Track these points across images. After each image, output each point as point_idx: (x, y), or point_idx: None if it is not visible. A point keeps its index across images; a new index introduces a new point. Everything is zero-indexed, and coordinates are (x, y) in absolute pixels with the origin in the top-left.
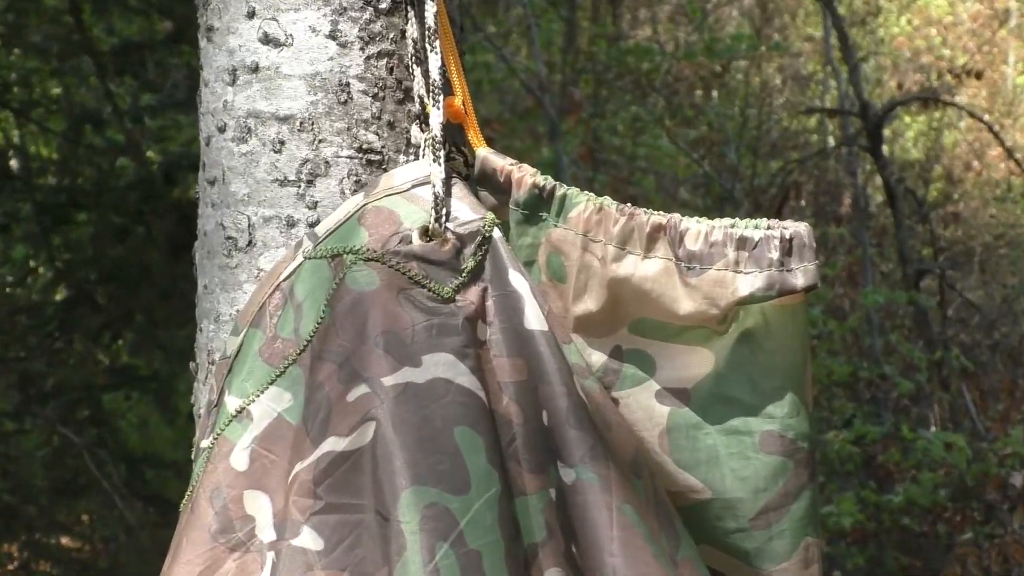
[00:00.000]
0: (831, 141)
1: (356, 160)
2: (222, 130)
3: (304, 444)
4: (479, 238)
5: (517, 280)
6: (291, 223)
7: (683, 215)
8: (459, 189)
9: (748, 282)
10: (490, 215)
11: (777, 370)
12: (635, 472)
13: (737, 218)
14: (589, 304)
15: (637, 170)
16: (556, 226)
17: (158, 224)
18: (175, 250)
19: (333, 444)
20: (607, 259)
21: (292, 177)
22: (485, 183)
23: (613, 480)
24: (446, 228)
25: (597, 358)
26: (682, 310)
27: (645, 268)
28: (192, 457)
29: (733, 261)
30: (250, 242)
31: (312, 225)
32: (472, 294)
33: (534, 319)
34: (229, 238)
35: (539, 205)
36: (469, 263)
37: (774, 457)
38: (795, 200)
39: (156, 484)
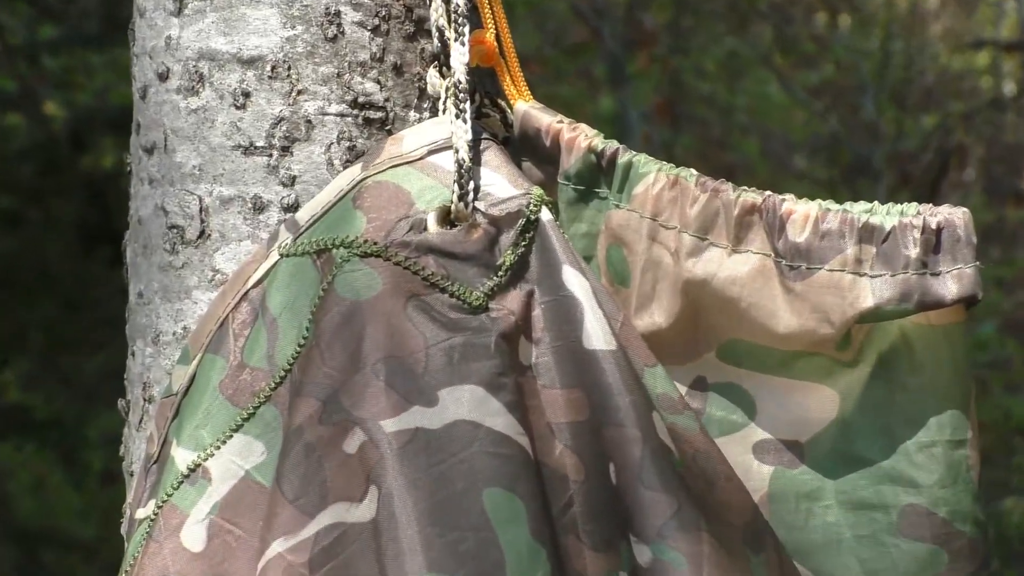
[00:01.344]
0: (1009, 87)
1: (349, 118)
2: (163, 77)
3: (285, 514)
4: (521, 222)
5: (574, 280)
6: (259, 206)
7: (794, 193)
8: (493, 155)
9: (874, 289)
10: (537, 190)
11: (925, 417)
12: (752, 544)
13: (876, 199)
14: (657, 316)
15: (735, 129)
16: (618, 206)
17: (61, 206)
18: (86, 242)
19: (337, 515)
20: (681, 253)
21: (261, 143)
22: (527, 148)
23: (707, 560)
24: (475, 209)
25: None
26: (782, 327)
27: (733, 266)
28: (123, 532)
29: (853, 259)
30: (202, 233)
31: (289, 209)
32: (512, 300)
33: (598, 334)
34: (173, 227)
35: (597, 177)
36: (508, 258)
37: (920, 544)
38: (958, 171)
39: (58, 570)
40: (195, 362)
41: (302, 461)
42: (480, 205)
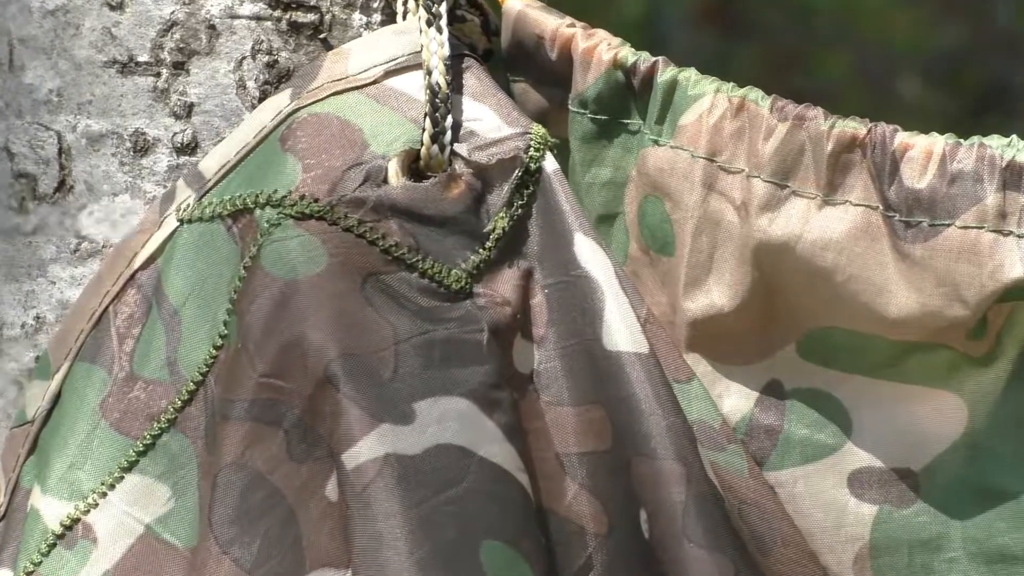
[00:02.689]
0: None
1: (269, 23)
2: None
3: None
4: (517, 174)
5: (591, 254)
6: (143, 147)
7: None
8: (476, 78)
9: None
10: (538, 128)
11: None
12: None
13: (1014, 135)
14: (716, 296)
15: (815, 40)
16: (657, 142)
17: None
18: None
19: None
20: (751, 206)
21: (144, 57)
22: (522, 64)
23: None
24: (454, 154)
25: (735, 404)
26: (893, 308)
27: (824, 224)
28: None
29: (995, 211)
30: (62, 184)
31: (186, 152)
32: (504, 283)
33: (624, 331)
34: (22, 176)
35: (625, 102)
36: (499, 223)
37: None
38: None
39: None
40: (59, 375)
41: (260, 515)
42: (461, 149)
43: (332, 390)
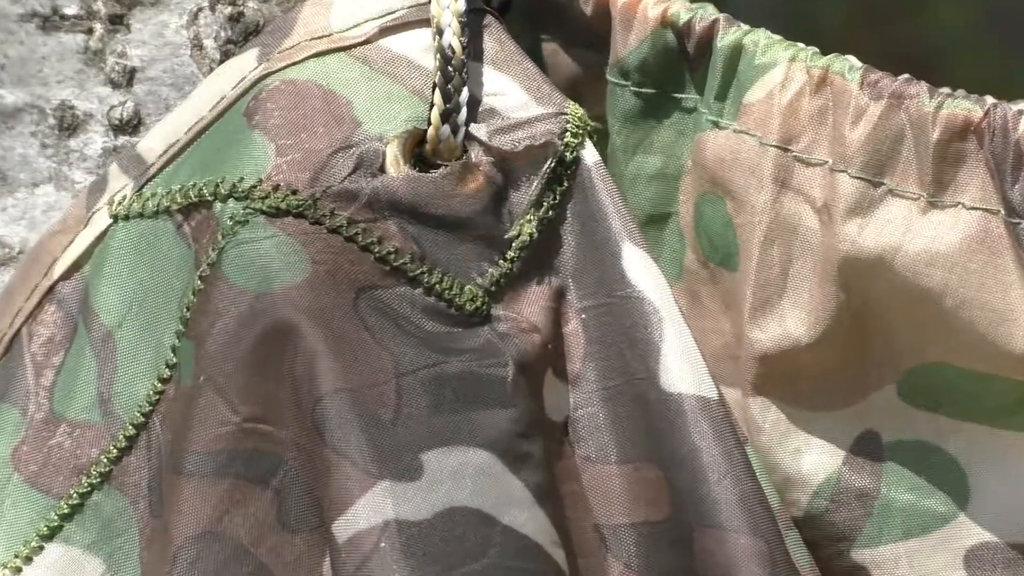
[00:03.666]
0: None
1: None
2: None
3: None
4: (549, 165)
5: (641, 266)
6: (70, 124)
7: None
8: (497, 42)
9: None
10: (575, 108)
11: None
12: None
13: None
14: (791, 324)
15: None
16: (717, 124)
17: None
18: None
19: None
20: (836, 208)
21: (73, 8)
22: (548, 21)
23: None
24: (470, 138)
25: (817, 462)
26: (1021, 339)
27: (932, 232)
28: None
29: None
30: None
31: (125, 131)
32: (530, 304)
33: (684, 368)
34: None
35: (678, 72)
36: (525, 228)
37: None
38: None
39: None
40: None
41: None
42: (479, 131)
43: (318, 439)
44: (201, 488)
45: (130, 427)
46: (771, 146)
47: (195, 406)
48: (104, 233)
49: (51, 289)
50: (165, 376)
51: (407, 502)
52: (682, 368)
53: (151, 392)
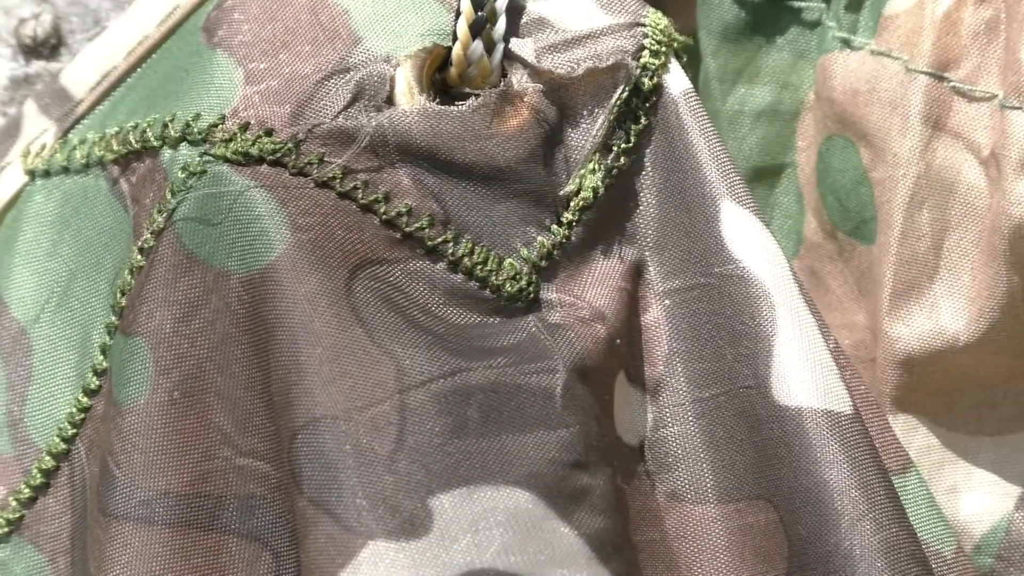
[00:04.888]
0: None
1: None
2: None
3: None
4: (622, 95)
5: (748, 234)
6: None
7: None
8: None
9: None
10: (656, 16)
11: None
12: None
13: None
14: (946, 316)
15: None
16: (849, 42)
17: None
18: None
19: None
20: (1009, 160)
21: None
22: None
23: None
24: (510, 57)
25: (981, 506)
26: None
27: None
28: None
29: None
30: None
31: (38, 53)
32: (596, 282)
33: (803, 373)
34: None
35: None
36: (589, 179)
37: None
38: None
39: None
40: None
41: None
42: (523, 49)
43: (295, 487)
44: (169, 542)
45: (47, 458)
46: (921, 73)
47: (161, 429)
48: (17, 195)
49: None
50: (92, 387)
51: (408, 568)
52: (803, 373)
53: (74, 410)
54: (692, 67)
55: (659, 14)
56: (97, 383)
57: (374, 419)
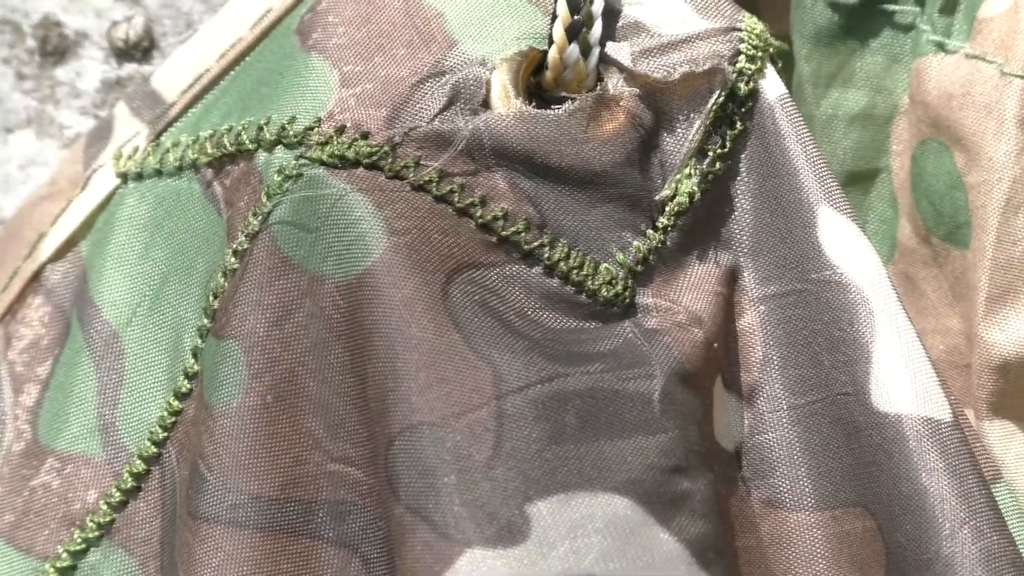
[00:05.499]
0: None
1: None
2: None
3: None
4: (718, 99)
5: (846, 241)
6: (59, 47)
7: None
8: None
9: None
10: (752, 21)
11: None
12: None
13: None
14: None
15: None
16: (944, 46)
17: None
18: None
19: None
20: None
21: None
22: None
23: None
24: (606, 61)
25: None
26: None
27: None
28: None
29: None
30: None
31: (131, 56)
32: (692, 287)
33: (904, 380)
34: None
35: None
36: (684, 184)
37: None
38: None
39: None
40: None
41: None
42: (619, 53)
43: (391, 494)
44: (259, 546)
45: (138, 461)
46: (1016, 76)
47: (253, 433)
48: (109, 198)
49: (36, 275)
50: (183, 390)
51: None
52: (903, 380)
53: (165, 413)
54: (785, 71)
55: (755, 19)
56: (188, 386)
57: (471, 425)
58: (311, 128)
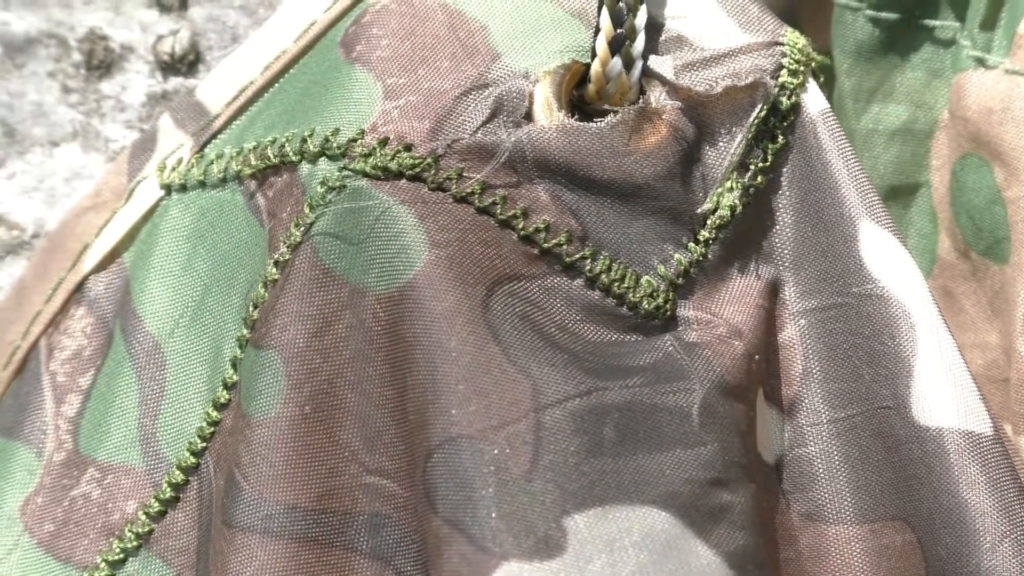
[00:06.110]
0: None
1: None
2: None
3: None
4: (760, 113)
5: (888, 254)
6: (104, 60)
7: None
8: None
9: None
10: (794, 36)
11: None
12: None
13: None
14: None
15: None
16: (983, 62)
17: None
18: None
19: None
20: None
21: None
22: None
23: None
24: (649, 74)
25: None
26: None
27: None
28: None
29: None
30: None
31: (176, 69)
32: (734, 300)
33: (946, 393)
34: None
35: None
36: (726, 197)
37: None
38: None
39: None
40: None
41: None
42: (662, 66)
43: (428, 506)
44: (294, 556)
45: (177, 472)
46: None
47: (291, 443)
48: (152, 209)
49: (80, 287)
50: (222, 400)
51: None
52: (944, 394)
53: (205, 424)
54: (826, 86)
55: (797, 33)
56: (227, 397)
57: (510, 438)
58: (354, 140)
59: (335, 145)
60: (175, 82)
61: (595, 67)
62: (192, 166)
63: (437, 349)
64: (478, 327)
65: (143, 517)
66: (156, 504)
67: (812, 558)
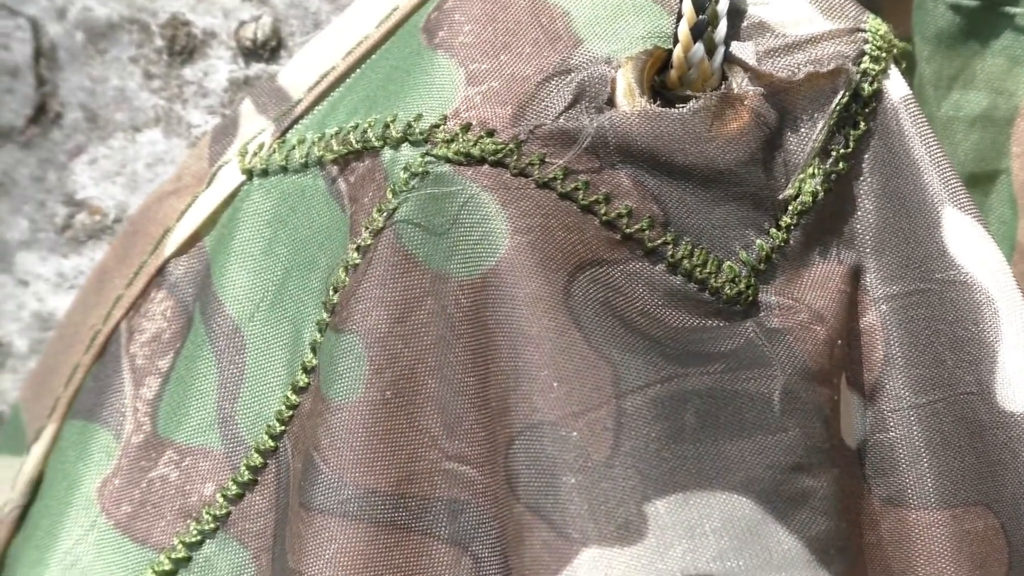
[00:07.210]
0: None
1: None
2: None
3: None
4: (842, 100)
5: (971, 241)
6: (186, 46)
7: None
8: None
9: None
10: (876, 23)
11: None
12: None
13: None
14: None
15: None
16: None
17: None
18: None
19: None
20: None
21: None
22: None
23: None
24: (731, 60)
25: None
26: None
27: None
28: None
29: None
30: (42, 110)
31: (257, 52)
32: (816, 285)
33: None
34: None
35: None
36: (808, 183)
37: None
38: None
39: None
40: (40, 447)
41: None
42: (744, 52)
43: (510, 492)
44: (373, 540)
45: (255, 455)
46: None
47: (372, 427)
48: (234, 194)
49: (160, 271)
50: (301, 384)
51: (624, 575)
52: None
53: (283, 407)
54: (907, 73)
55: (879, 20)
56: (306, 380)
57: (591, 424)
58: (437, 126)
59: (418, 131)
60: (257, 68)
61: (677, 53)
62: (274, 151)
63: (519, 336)
64: (559, 313)
65: (221, 500)
66: (234, 487)
67: (894, 543)
